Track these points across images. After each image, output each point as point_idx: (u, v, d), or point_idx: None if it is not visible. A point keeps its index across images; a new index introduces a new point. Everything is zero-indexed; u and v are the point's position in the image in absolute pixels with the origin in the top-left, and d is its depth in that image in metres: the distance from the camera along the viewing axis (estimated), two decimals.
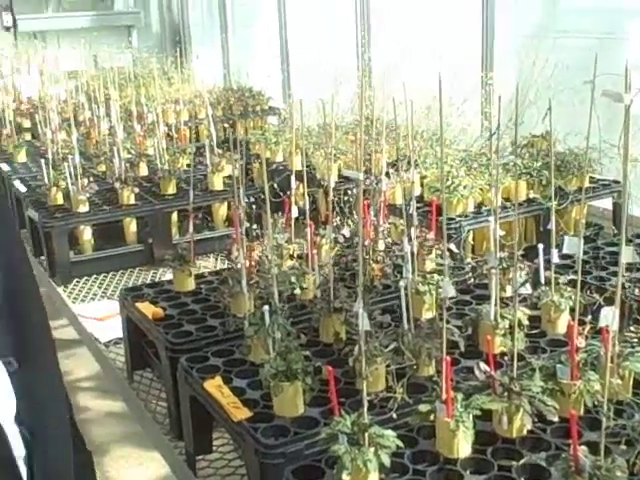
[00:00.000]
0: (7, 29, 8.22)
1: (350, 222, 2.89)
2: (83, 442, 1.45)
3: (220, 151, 3.99)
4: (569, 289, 2.15)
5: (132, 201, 3.61)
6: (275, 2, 6.13)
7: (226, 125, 5.04)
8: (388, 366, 1.89)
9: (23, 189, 3.96)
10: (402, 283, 2.04)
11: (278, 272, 2.18)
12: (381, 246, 2.66)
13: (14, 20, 8.21)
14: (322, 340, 2.20)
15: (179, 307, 2.48)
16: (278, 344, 1.96)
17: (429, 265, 2.55)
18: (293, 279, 2.28)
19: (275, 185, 3.33)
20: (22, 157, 4.72)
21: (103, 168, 4.17)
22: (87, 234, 3.56)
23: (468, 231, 2.97)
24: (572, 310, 2.04)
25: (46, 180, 3.70)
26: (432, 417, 1.70)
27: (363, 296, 1.76)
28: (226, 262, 3.22)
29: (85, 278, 3.44)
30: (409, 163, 2.89)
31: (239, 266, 2.34)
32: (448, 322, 1.89)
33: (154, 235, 3.56)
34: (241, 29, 7.21)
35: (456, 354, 1.98)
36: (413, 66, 4.16)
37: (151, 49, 7.03)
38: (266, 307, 1.99)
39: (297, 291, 2.28)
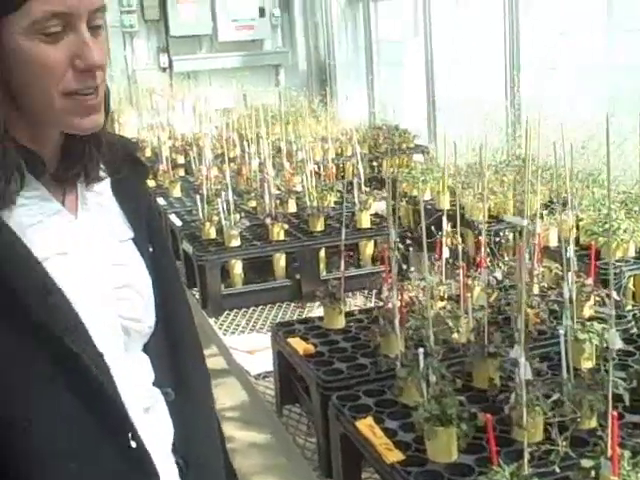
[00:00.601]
0: (164, 70, 8.70)
1: (501, 264, 2.83)
2: (235, 474, 1.49)
3: (367, 189, 4.02)
4: None
5: (282, 237, 3.69)
6: (422, 40, 6.17)
7: (374, 163, 5.08)
8: (547, 417, 1.83)
9: (178, 223, 4.14)
10: (562, 330, 1.98)
11: (433, 314, 2.17)
12: (536, 290, 2.59)
13: (170, 61, 8.69)
14: (475, 385, 2.16)
15: (329, 344, 2.50)
16: (432, 387, 1.94)
17: (587, 311, 2.45)
18: (449, 322, 2.25)
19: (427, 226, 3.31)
20: (177, 192, 4.94)
21: (253, 204, 4.29)
22: (238, 268, 3.67)
23: (629, 277, 2.85)
24: None
25: (200, 215, 3.84)
26: (594, 474, 1.62)
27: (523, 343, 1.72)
28: (374, 300, 3.23)
29: (235, 310, 3.53)
30: (564, 205, 2.81)
31: (390, 305, 2.34)
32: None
33: (302, 271, 3.62)
34: (387, 67, 7.30)
35: (620, 408, 1.89)
36: (566, 104, 4.07)
37: (298, 87, 7.24)
38: (421, 349, 1.97)
39: (455, 335, 2.25)
